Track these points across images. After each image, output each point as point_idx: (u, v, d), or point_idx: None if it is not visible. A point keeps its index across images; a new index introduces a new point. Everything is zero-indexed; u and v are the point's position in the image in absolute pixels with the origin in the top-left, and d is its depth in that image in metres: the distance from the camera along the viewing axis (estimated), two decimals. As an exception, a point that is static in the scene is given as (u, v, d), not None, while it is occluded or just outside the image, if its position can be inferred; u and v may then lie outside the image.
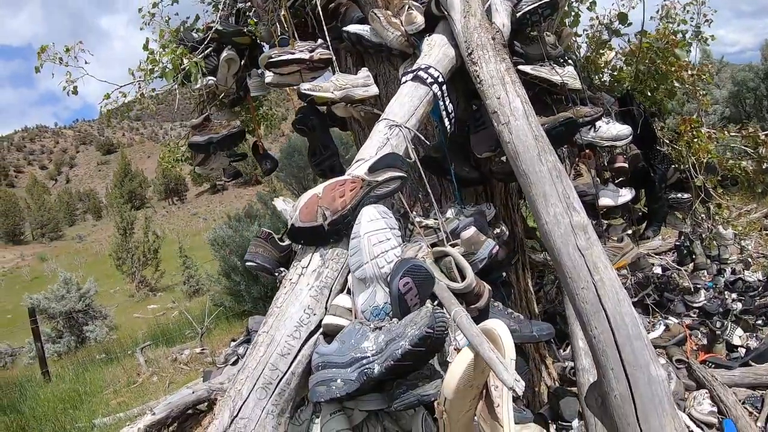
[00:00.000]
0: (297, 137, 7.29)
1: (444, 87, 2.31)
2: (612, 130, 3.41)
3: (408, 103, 2.28)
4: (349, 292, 1.95)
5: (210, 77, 3.46)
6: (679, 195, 4.38)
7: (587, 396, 1.89)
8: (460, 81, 2.61)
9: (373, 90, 2.65)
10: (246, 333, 5.56)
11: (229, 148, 3.53)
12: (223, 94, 3.67)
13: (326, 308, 1.92)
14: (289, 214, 1.97)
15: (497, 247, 2.15)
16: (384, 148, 2.13)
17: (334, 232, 1.94)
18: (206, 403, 4.52)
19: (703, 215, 4.73)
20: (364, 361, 1.63)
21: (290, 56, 2.63)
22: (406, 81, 2.35)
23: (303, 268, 1.98)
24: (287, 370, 1.85)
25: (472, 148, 2.57)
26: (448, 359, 1.77)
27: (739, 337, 4.33)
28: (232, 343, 5.82)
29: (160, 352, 7.94)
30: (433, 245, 2.06)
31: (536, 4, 2.59)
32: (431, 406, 1.65)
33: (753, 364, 3.80)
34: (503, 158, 2.61)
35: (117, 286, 21.67)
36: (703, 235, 5.05)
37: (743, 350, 4.14)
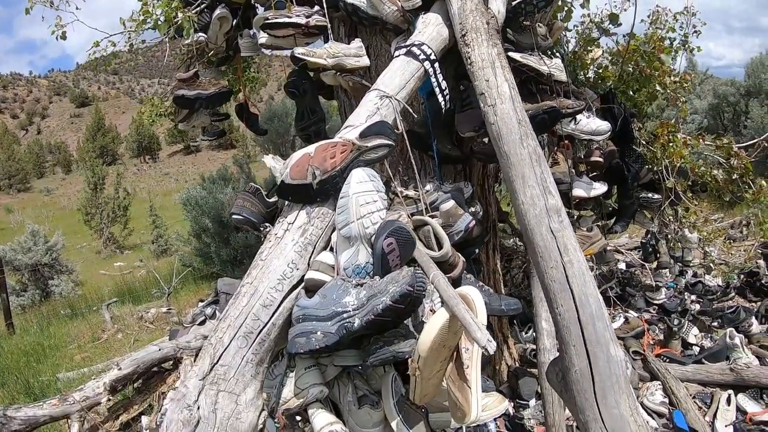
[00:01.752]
0: (277, 103, 7.27)
1: (436, 65, 2.36)
2: (592, 124, 3.51)
3: (399, 76, 2.33)
4: (332, 250, 2.00)
5: (201, 33, 3.45)
6: (650, 195, 4.52)
7: (548, 371, 1.97)
8: (450, 62, 2.66)
9: (365, 61, 2.69)
10: (214, 294, 5.58)
11: (214, 106, 3.53)
12: (212, 52, 3.65)
13: (309, 264, 1.97)
14: (278, 171, 2.02)
15: (473, 221, 2.22)
16: (373, 117, 2.17)
17: (322, 191, 1.99)
18: (172, 362, 4.53)
19: (671, 217, 4.87)
20: (345, 315, 1.69)
21: (287, 19, 2.65)
22: (399, 55, 2.39)
23: (289, 223, 2.03)
24: (268, 321, 1.90)
25: (457, 126, 2.63)
26: (423, 319, 1.85)
27: (695, 336, 4.45)
28: (200, 304, 5.83)
29: (126, 310, 7.85)
30: (412, 215, 2.13)
31: (531, -6, 2.64)
32: (401, 369, 1.73)
33: (706, 362, 3.94)
34: (486, 140, 2.68)
35: (84, 242, 21.32)
36: (669, 236, 5.16)
37: (697, 348, 4.28)
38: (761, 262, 5.86)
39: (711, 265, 5.83)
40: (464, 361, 1.63)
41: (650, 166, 4.43)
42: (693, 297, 5.44)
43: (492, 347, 1.42)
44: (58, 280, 12.23)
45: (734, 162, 4.36)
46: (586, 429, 1.70)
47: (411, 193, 2.24)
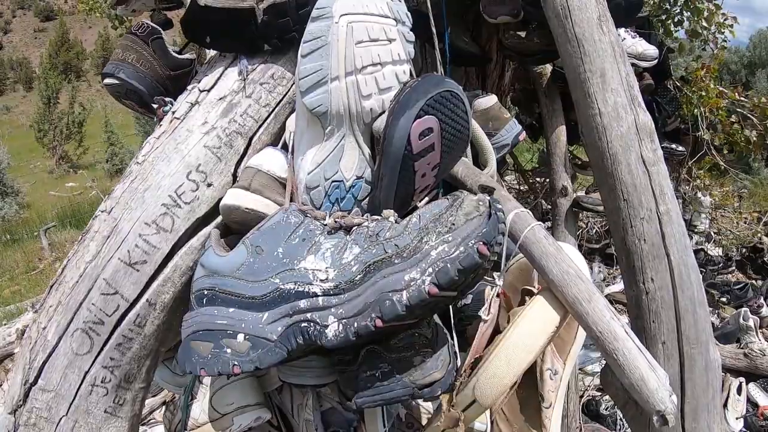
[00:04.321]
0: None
1: None
2: (638, 46, 2.89)
3: None
4: (284, 147, 1.09)
5: None
6: (674, 146, 4.04)
7: (606, 372, 1.36)
8: None
9: None
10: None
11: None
12: None
13: (235, 175, 1.08)
14: None
15: (524, 132, 1.45)
16: None
17: (277, 27, 1.08)
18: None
19: (685, 175, 4.54)
20: (304, 304, 0.81)
21: None
22: None
23: (202, 92, 1.10)
24: (138, 297, 1.01)
25: (483, 9, 1.85)
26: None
27: None
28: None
29: (68, 235, 7.25)
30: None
31: None
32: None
33: (717, 342, 3.56)
34: (522, 33, 1.92)
35: (38, 161, 20.35)
36: (686, 195, 4.80)
37: None
38: (765, 238, 5.68)
39: (712, 233, 5.60)
40: (545, 392, 0.88)
41: (681, 113, 3.97)
42: None
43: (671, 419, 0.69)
44: (1, 202, 11.30)
45: None
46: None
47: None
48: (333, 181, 0.93)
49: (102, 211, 1.04)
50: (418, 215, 0.82)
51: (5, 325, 3.63)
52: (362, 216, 0.88)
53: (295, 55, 0.99)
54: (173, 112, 1.11)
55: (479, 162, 1.17)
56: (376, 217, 0.86)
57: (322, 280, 0.80)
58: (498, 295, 0.89)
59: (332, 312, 0.79)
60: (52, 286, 1.03)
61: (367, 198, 0.96)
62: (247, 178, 1.01)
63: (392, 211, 0.86)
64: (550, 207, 2.59)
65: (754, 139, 3.97)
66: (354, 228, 0.84)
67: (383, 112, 0.93)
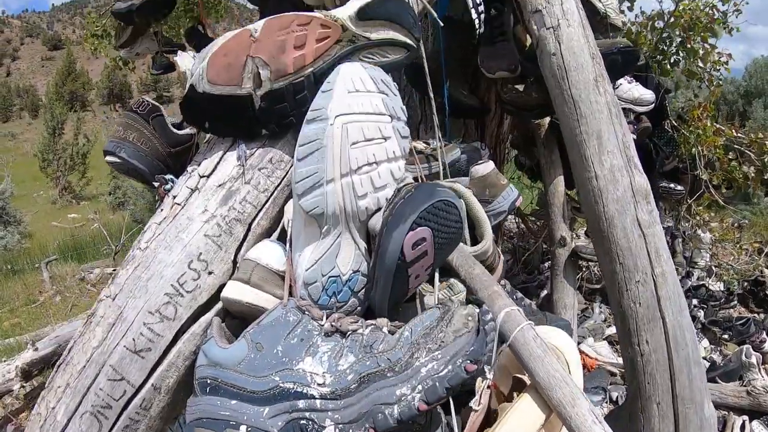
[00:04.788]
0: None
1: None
2: (634, 92, 2.93)
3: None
4: (283, 232, 1.11)
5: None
6: (672, 185, 4.06)
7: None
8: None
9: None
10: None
11: (154, 18, 2.73)
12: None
13: (235, 261, 1.09)
14: (192, 70, 1.08)
15: (520, 197, 1.47)
16: None
17: (274, 113, 1.09)
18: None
19: (685, 213, 4.50)
20: (303, 404, 0.83)
21: None
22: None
23: (202, 177, 1.12)
24: (144, 383, 1.03)
25: (482, 63, 1.88)
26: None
27: (705, 348, 4.05)
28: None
29: (69, 269, 7.23)
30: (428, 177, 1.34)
31: None
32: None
33: (719, 381, 3.43)
34: (519, 87, 1.95)
35: (41, 190, 20.39)
36: (686, 234, 4.77)
37: (706, 363, 3.82)
38: (767, 270, 5.60)
39: (713, 267, 5.58)
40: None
41: (679, 153, 3.96)
42: (695, 301, 5.09)
43: None
44: (3, 231, 11.29)
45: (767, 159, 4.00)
46: None
47: (420, 145, 1.44)
48: (330, 277, 0.95)
49: (107, 297, 1.06)
50: (409, 329, 0.85)
51: (5, 361, 3.57)
52: (357, 320, 0.90)
53: (293, 137, 1.03)
54: (174, 197, 1.13)
55: (476, 234, 1.19)
56: (370, 322, 0.88)
57: (319, 384, 0.83)
58: (489, 387, 0.92)
59: (329, 416, 0.82)
60: (59, 366, 1.06)
61: (364, 289, 0.99)
62: (246, 271, 1.03)
63: (386, 320, 0.89)
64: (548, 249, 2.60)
65: (752, 174, 4.01)
66: (349, 333, 0.87)
67: (379, 209, 0.97)
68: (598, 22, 2.22)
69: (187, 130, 1.43)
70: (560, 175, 2.18)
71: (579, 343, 2.71)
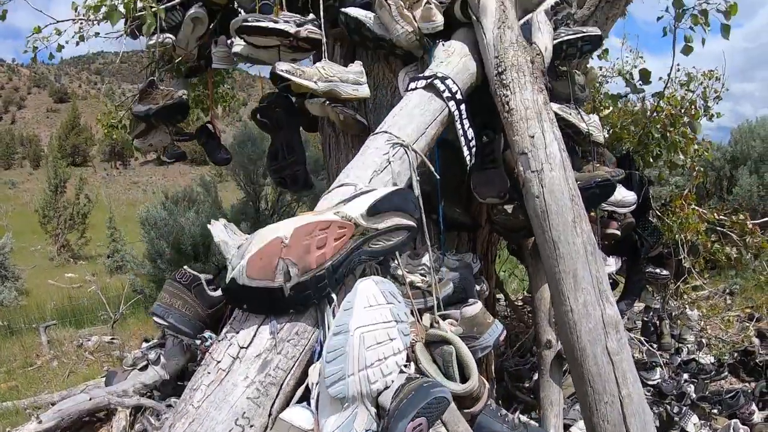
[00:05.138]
0: (253, 125, 6.61)
1: (462, 106, 1.80)
2: (617, 194, 3.06)
3: (419, 116, 1.74)
4: (307, 400, 1.34)
5: (168, 35, 2.86)
6: (658, 270, 4.20)
7: None
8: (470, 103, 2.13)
9: (364, 91, 2.11)
10: (161, 336, 4.93)
11: (169, 122, 2.93)
12: (180, 59, 3.06)
13: (270, 413, 1.32)
14: (230, 260, 1.32)
15: (505, 332, 1.64)
16: (381, 174, 1.56)
17: (299, 299, 1.36)
18: (104, 412, 3.88)
19: (672, 293, 4.63)
20: None
21: (271, 25, 2.04)
22: (416, 88, 1.81)
23: (241, 348, 1.35)
24: None
25: (474, 189, 2.07)
26: None
27: (694, 424, 4.06)
28: (144, 344, 5.14)
29: (67, 333, 7.20)
30: (421, 312, 1.52)
31: (578, 36, 2.14)
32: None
33: None
34: (508, 208, 2.13)
35: (39, 245, 20.28)
36: (673, 314, 4.87)
37: None
38: (756, 340, 5.65)
39: (703, 341, 5.64)
40: None
41: (663, 240, 4.11)
42: (686, 376, 5.10)
43: None
44: (1, 287, 11.32)
45: (749, 240, 4.16)
46: None
47: (417, 279, 1.61)
48: (348, 439, 1.20)
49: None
50: None
51: (8, 430, 3.61)
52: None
53: (315, 310, 1.35)
54: (218, 362, 1.36)
55: (465, 373, 1.36)
56: None
57: None
58: None
59: None
60: None
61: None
62: (282, 430, 1.26)
63: None
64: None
65: (735, 255, 4.14)
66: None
67: (386, 387, 1.27)
68: (582, 139, 2.43)
69: (220, 293, 1.64)
70: (545, 283, 2.33)
71: (569, 426, 2.79)
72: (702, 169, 4.44)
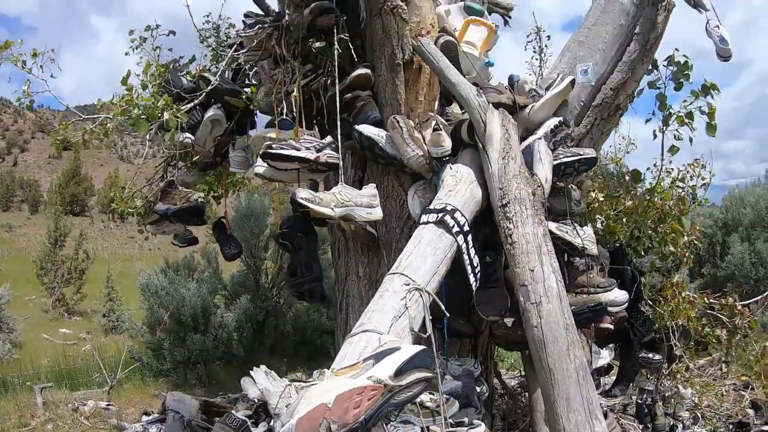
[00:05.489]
0: (256, 200, 6.79)
1: (469, 237, 1.98)
2: (609, 295, 3.22)
3: (431, 256, 1.91)
4: None
5: (187, 134, 3.04)
6: (650, 355, 4.31)
7: None
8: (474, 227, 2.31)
9: (378, 213, 2.29)
10: (161, 410, 4.95)
11: (185, 222, 3.09)
12: (198, 156, 3.25)
13: None
14: (275, 406, 1.47)
15: None
16: (400, 320, 1.71)
17: None
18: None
19: (666, 375, 4.69)
20: None
21: (294, 153, 2.24)
22: (428, 222, 1.99)
23: None
24: None
25: (477, 306, 2.23)
26: None
27: None
28: (144, 418, 5.16)
29: (62, 395, 7.11)
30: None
31: (576, 158, 2.33)
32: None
33: None
34: (508, 321, 2.29)
35: (33, 295, 20.07)
36: (666, 395, 4.94)
37: None
38: (750, 411, 5.68)
39: (698, 414, 5.67)
40: None
41: (655, 328, 4.23)
42: None
43: None
44: (-5, 339, 11.20)
45: (738, 321, 4.24)
46: None
47: (427, 400, 1.76)
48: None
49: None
50: None
51: None
52: None
53: None
54: None
55: None
56: None
57: None
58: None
59: None
60: None
61: None
62: None
63: None
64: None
65: (725, 338, 4.22)
66: None
67: None
68: (578, 254, 2.59)
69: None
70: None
71: None
72: (691, 256, 4.58)
